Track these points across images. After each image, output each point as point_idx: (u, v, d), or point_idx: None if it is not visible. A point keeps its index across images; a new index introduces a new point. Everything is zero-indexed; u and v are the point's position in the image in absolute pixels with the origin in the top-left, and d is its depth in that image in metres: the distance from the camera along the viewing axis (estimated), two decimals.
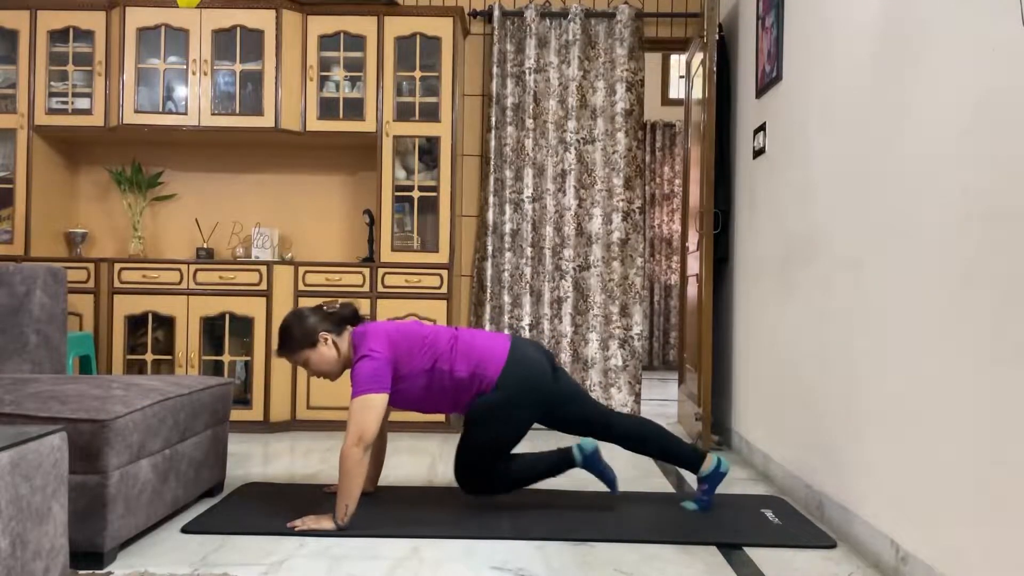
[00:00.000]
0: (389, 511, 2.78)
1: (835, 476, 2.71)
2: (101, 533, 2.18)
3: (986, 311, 1.84)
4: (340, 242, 4.91)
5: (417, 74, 4.55)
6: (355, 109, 4.54)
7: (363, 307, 4.37)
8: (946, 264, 2.02)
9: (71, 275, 4.24)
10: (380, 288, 4.42)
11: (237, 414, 4.15)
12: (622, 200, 4.78)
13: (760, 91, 3.71)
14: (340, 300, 2.97)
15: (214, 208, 4.88)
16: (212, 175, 4.91)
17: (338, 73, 4.56)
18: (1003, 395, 1.76)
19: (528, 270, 4.79)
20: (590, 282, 4.80)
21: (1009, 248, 1.75)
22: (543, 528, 2.61)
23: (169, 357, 4.36)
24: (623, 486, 3.23)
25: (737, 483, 3.33)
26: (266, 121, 4.42)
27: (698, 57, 4.40)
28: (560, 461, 2.89)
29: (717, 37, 4.11)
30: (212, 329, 4.43)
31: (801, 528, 2.68)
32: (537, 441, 3.37)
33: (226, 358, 4.39)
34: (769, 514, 2.82)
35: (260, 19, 4.42)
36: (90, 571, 2.18)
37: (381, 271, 4.43)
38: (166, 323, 4.38)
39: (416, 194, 4.58)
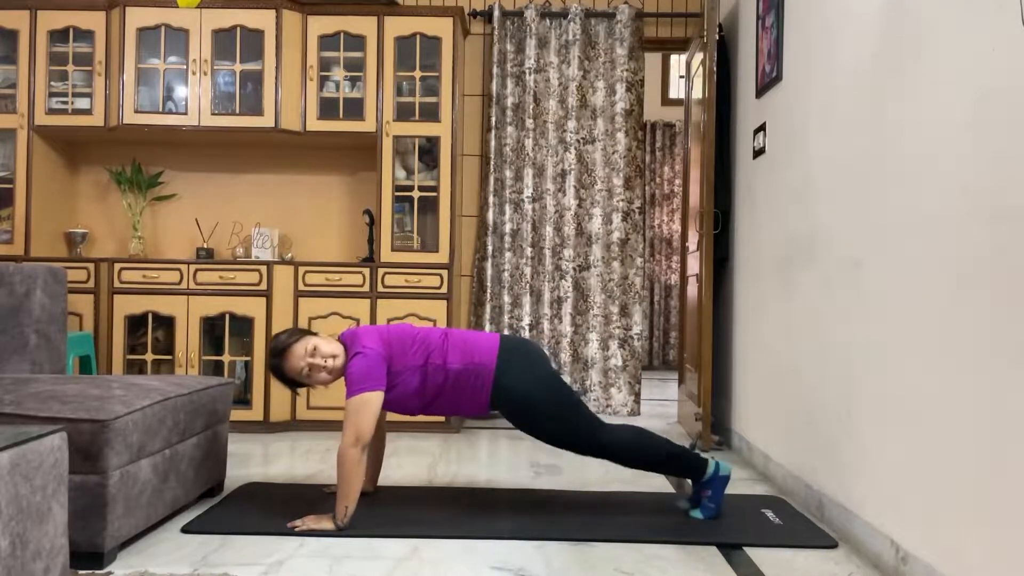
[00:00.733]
0: (389, 511, 2.78)
1: (835, 476, 2.71)
2: (101, 533, 2.18)
3: (986, 311, 1.84)
4: (340, 242, 4.91)
5: (417, 74, 4.55)
6: (355, 109, 4.54)
7: (363, 307, 4.37)
8: (946, 264, 2.02)
9: (71, 275, 4.24)
10: (380, 288, 4.42)
11: (237, 414, 4.15)
12: (622, 200, 4.78)
13: (760, 91, 3.71)
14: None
15: (214, 208, 4.88)
16: (212, 175, 4.91)
17: (338, 73, 4.56)
18: (1003, 395, 1.76)
19: (528, 270, 4.79)
20: (590, 282, 4.80)
21: (1009, 248, 1.75)
22: (543, 528, 2.61)
23: (169, 357, 4.36)
24: (623, 485, 3.23)
25: (737, 483, 3.32)
26: (266, 121, 4.42)
27: (698, 57, 4.40)
28: (694, 463, 2.75)
29: (717, 37, 4.11)
30: (212, 329, 4.43)
31: (802, 528, 2.68)
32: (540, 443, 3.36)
33: (226, 358, 4.39)
34: (770, 514, 2.82)
35: (260, 19, 4.42)
36: (90, 571, 2.18)
37: (381, 271, 4.43)
38: (166, 323, 4.38)
39: (416, 194, 4.58)
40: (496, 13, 4.80)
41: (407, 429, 4.33)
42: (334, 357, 2.68)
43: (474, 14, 4.88)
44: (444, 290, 4.43)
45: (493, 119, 4.80)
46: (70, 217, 4.84)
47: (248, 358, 4.37)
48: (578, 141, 4.80)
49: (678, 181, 8.09)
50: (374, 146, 4.56)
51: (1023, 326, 1.70)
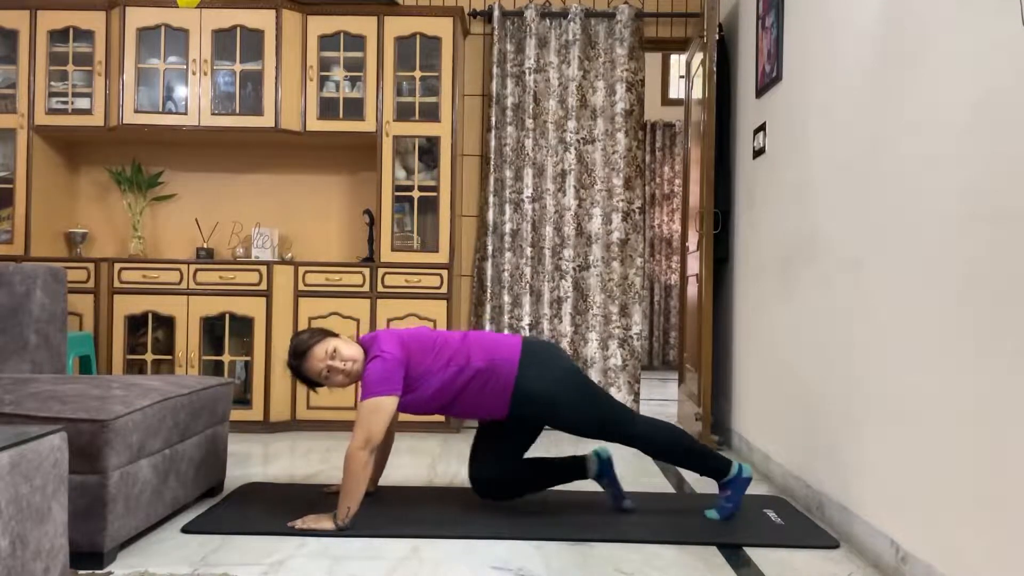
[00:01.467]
0: (389, 511, 2.78)
1: (835, 476, 2.71)
2: (101, 533, 2.18)
3: (986, 311, 1.84)
4: (340, 242, 4.91)
5: (417, 74, 4.55)
6: (355, 109, 4.54)
7: (363, 307, 4.37)
8: (946, 264, 2.02)
9: (71, 275, 4.24)
10: (380, 288, 4.42)
11: (237, 414, 4.15)
12: (622, 200, 4.78)
13: (760, 91, 3.71)
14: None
15: (214, 208, 4.88)
16: (212, 175, 4.91)
17: (338, 73, 4.56)
18: (1003, 395, 1.76)
19: (528, 270, 4.79)
20: (590, 282, 4.80)
21: (1009, 248, 1.75)
22: (543, 528, 2.61)
23: (169, 357, 4.36)
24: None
25: None
26: (266, 121, 4.42)
27: (698, 57, 4.41)
28: (718, 464, 2.79)
29: (717, 37, 4.12)
30: (212, 329, 4.43)
31: (802, 528, 2.68)
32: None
33: (226, 358, 4.39)
34: (771, 514, 2.82)
35: (260, 19, 4.42)
36: (90, 571, 2.18)
37: (381, 271, 4.43)
38: (166, 323, 4.38)
39: (416, 194, 4.58)
40: (496, 13, 4.80)
41: (407, 429, 4.33)
42: (354, 361, 2.68)
43: (474, 14, 4.88)
44: (444, 290, 4.43)
45: (493, 119, 4.80)
46: (70, 217, 4.83)
47: (248, 358, 4.37)
48: (578, 141, 4.80)
49: (678, 181, 8.09)
50: (374, 146, 4.56)
51: (1023, 326, 1.70)
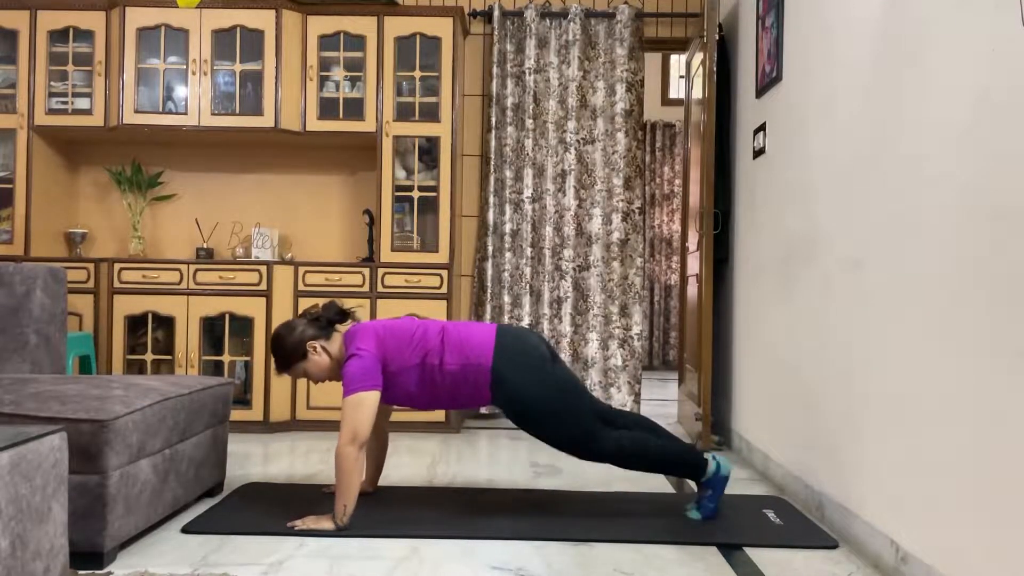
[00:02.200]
0: (389, 511, 2.78)
1: (835, 476, 2.71)
2: (101, 533, 2.18)
3: (986, 311, 1.84)
4: (340, 242, 4.91)
5: (417, 74, 4.55)
6: (355, 109, 4.54)
7: (362, 307, 4.36)
8: (946, 264, 2.02)
9: (71, 275, 4.24)
10: (380, 288, 4.42)
11: (237, 414, 4.15)
12: (622, 200, 4.78)
13: (760, 91, 3.71)
14: (324, 301, 2.90)
15: (214, 208, 4.88)
16: (212, 175, 4.91)
17: (338, 73, 4.56)
18: (1003, 395, 1.76)
19: (528, 270, 4.79)
20: (590, 282, 4.80)
21: (1009, 248, 1.75)
22: (543, 528, 2.61)
23: (169, 357, 4.36)
24: (623, 485, 3.23)
25: (737, 483, 3.33)
26: (266, 121, 4.43)
27: (698, 57, 4.41)
28: (695, 462, 2.75)
29: (717, 37, 4.11)
30: (212, 329, 4.43)
31: (802, 528, 2.68)
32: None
33: (226, 358, 4.39)
34: (771, 514, 2.82)
35: (260, 19, 4.42)
36: (90, 571, 2.18)
37: (381, 271, 4.43)
38: (166, 323, 4.38)
39: (416, 194, 4.58)
40: (496, 13, 4.80)
41: (407, 429, 4.33)
42: (323, 380, 2.84)
43: (474, 14, 4.88)
44: (444, 290, 4.43)
45: (493, 119, 4.80)
46: (70, 217, 4.84)
47: (248, 358, 4.37)
48: (578, 141, 4.80)
49: (678, 181, 8.09)
50: (374, 146, 4.56)
51: (1023, 326, 1.70)
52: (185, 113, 4.45)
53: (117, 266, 4.38)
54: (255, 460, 3.69)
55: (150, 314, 4.36)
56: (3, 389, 2.32)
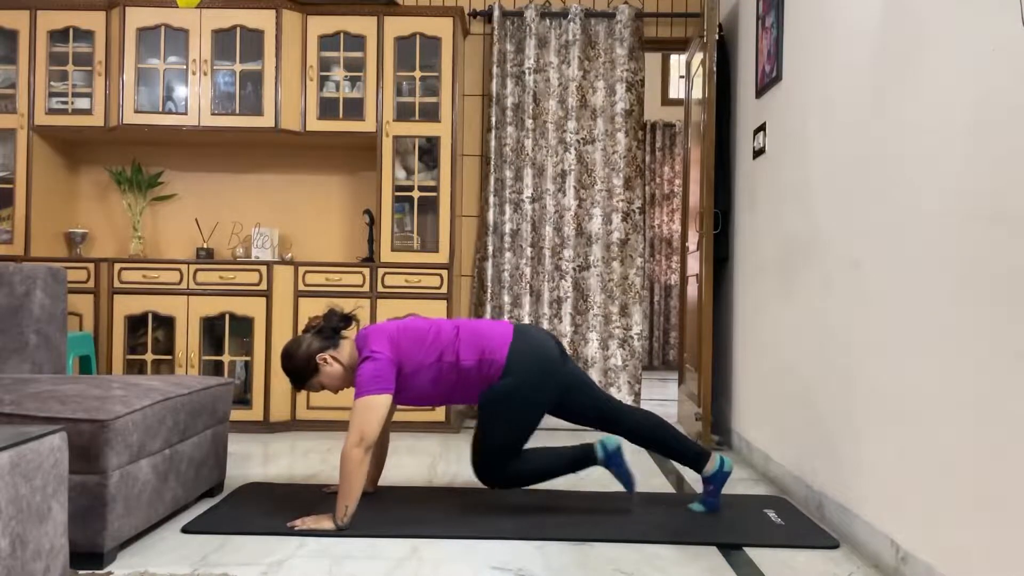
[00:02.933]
0: (389, 511, 2.78)
1: (835, 476, 2.71)
2: (101, 533, 2.18)
3: (986, 311, 1.84)
4: (340, 242, 4.91)
5: (417, 74, 4.55)
6: (355, 109, 4.54)
7: (363, 307, 4.36)
8: (946, 264, 2.02)
9: (71, 275, 4.24)
10: (380, 288, 4.42)
11: (237, 414, 4.15)
12: (622, 200, 4.78)
13: (760, 91, 3.71)
14: (323, 311, 2.90)
15: (214, 208, 4.88)
16: (212, 175, 4.91)
17: (338, 73, 4.56)
18: (1003, 395, 1.76)
19: (528, 270, 4.79)
20: (590, 282, 4.80)
21: (1009, 248, 1.75)
22: (543, 528, 2.61)
23: (169, 357, 4.36)
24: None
25: (738, 483, 3.33)
26: (266, 121, 4.43)
27: (698, 57, 4.40)
28: (582, 457, 2.84)
29: (717, 37, 4.11)
30: (212, 329, 4.43)
31: (803, 528, 2.68)
32: (550, 442, 3.36)
33: (226, 358, 4.39)
34: (771, 514, 2.82)
35: (260, 19, 4.42)
36: (90, 571, 2.18)
37: (381, 271, 4.43)
38: (166, 323, 4.38)
39: (416, 194, 4.58)
40: (496, 13, 4.80)
41: (407, 429, 4.33)
42: (340, 388, 2.83)
43: (474, 14, 4.88)
44: (444, 290, 4.43)
45: (493, 119, 4.80)
46: (70, 217, 4.83)
47: (248, 358, 4.37)
48: (578, 141, 4.80)
49: (678, 181, 8.09)
50: (374, 146, 4.56)
51: (1023, 326, 1.70)
52: (185, 113, 4.45)
53: (117, 266, 4.38)
54: (255, 460, 3.68)
55: (150, 314, 4.36)
56: (3, 389, 2.32)
